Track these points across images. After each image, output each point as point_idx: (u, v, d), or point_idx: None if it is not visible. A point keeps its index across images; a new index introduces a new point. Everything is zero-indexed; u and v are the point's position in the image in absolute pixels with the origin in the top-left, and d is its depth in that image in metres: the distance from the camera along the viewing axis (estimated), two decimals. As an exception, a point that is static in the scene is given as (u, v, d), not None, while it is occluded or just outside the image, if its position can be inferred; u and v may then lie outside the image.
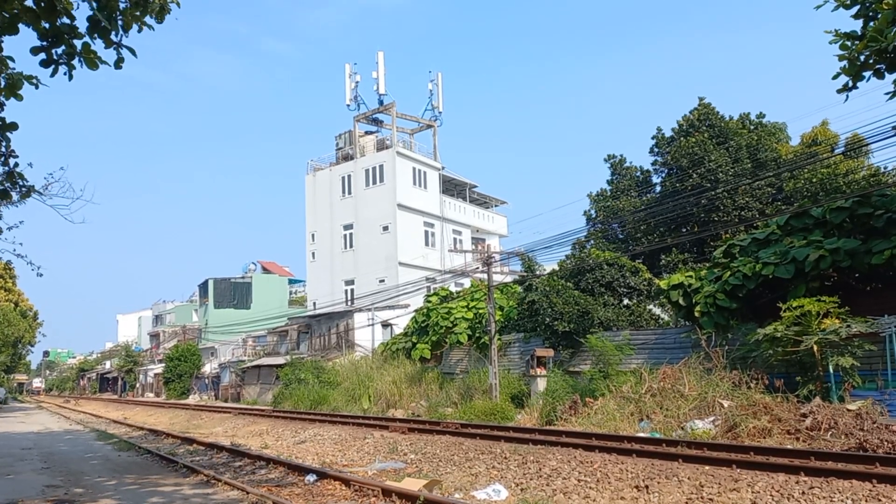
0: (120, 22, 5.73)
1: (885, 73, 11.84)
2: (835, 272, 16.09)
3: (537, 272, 26.40)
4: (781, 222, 17.55)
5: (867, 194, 16.04)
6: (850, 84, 12.10)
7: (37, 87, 6.08)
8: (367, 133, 49.58)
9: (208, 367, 57.06)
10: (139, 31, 5.89)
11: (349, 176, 47.56)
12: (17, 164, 7.04)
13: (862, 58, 11.67)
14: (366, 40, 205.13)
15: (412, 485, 10.65)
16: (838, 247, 15.06)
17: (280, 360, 41.14)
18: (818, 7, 12.62)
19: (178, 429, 26.03)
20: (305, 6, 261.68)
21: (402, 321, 36.37)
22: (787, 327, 14.73)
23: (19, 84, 5.92)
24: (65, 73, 5.84)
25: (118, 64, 5.93)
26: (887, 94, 11.82)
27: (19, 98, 5.97)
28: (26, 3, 5.50)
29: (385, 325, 38.81)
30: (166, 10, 5.89)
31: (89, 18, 5.67)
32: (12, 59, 5.98)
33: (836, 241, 15.34)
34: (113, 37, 5.74)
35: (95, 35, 5.69)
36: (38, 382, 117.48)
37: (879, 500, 7.98)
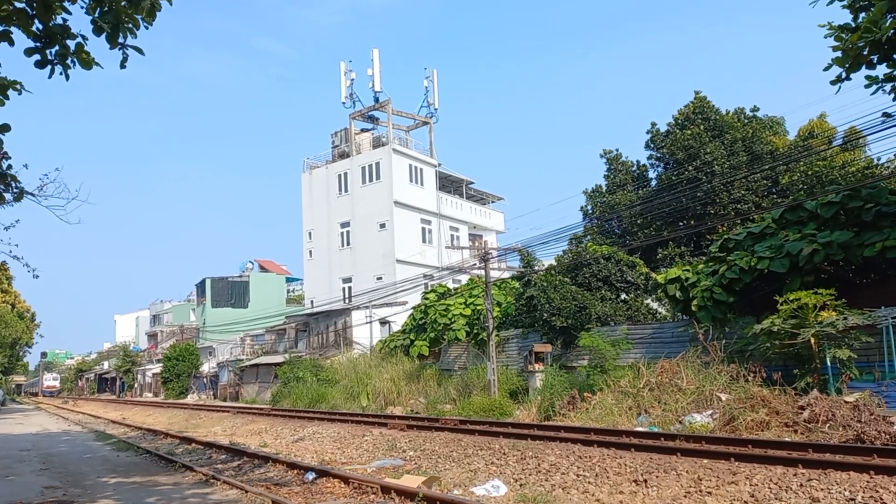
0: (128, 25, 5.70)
1: (876, 65, 11.88)
2: (830, 265, 16.12)
3: (535, 267, 26.41)
4: (776, 216, 17.54)
5: (857, 188, 16.00)
6: (844, 75, 12.13)
7: (20, 93, 6.06)
8: (362, 130, 49.53)
9: (206, 367, 57.02)
10: (138, 28, 5.84)
11: (345, 174, 47.50)
12: (10, 166, 7.02)
13: (856, 49, 11.69)
14: (360, 38, 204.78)
15: (411, 481, 10.67)
16: (831, 240, 15.04)
17: (278, 359, 41.14)
18: (813, 3, 12.65)
19: (177, 428, 26.02)
20: (297, 4, 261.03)
21: (399, 318, 36.37)
22: (784, 320, 14.75)
23: (5, 88, 5.90)
24: (61, 73, 5.82)
25: (123, 64, 5.90)
26: (867, 85, 11.85)
27: (0, 103, 5.96)
28: (17, 5, 5.48)
29: (383, 322, 38.80)
30: (157, 8, 5.85)
31: (94, 21, 5.63)
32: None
33: (828, 234, 15.33)
34: (119, 38, 5.72)
35: (100, 35, 5.66)
36: (51, 380, 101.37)
37: (877, 492, 8.00)
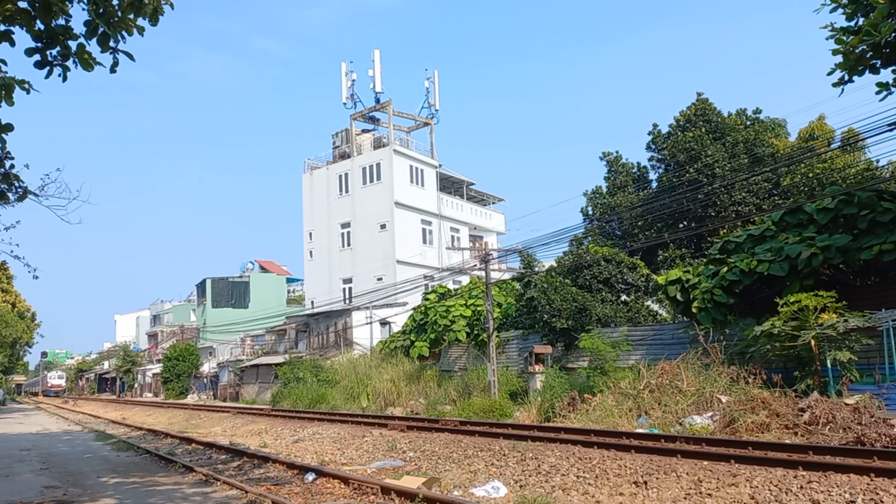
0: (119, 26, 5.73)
1: (881, 69, 11.86)
2: (829, 268, 16.10)
3: (536, 268, 26.40)
4: (776, 218, 17.52)
5: (851, 193, 15.93)
6: (846, 78, 12.12)
7: (28, 93, 6.07)
8: (363, 131, 49.55)
9: (207, 367, 57.00)
10: (131, 35, 5.89)
11: (346, 174, 47.51)
12: (12, 166, 7.02)
13: (857, 52, 11.68)
14: (360, 39, 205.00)
15: (411, 482, 10.67)
16: (829, 244, 15.02)
17: (278, 359, 41.12)
18: (817, 10, 12.64)
19: (177, 428, 26.01)
20: (296, 5, 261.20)
21: (400, 319, 36.37)
22: (785, 322, 14.75)
23: (11, 88, 5.91)
24: (59, 75, 5.83)
25: (113, 68, 5.94)
26: (878, 92, 11.83)
27: (10, 102, 5.96)
28: (20, 4, 5.50)
29: (383, 323, 38.79)
30: (160, 12, 5.88)
31: (87, 23, 5.66)
32: (5, 63, 5.97)
33: (827, 238, 15.30)
34: (111, 42, 5.75)
35: (92, 38, 5.70)
36: (56, 379, 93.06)
37: (877, 494, 8.00)
